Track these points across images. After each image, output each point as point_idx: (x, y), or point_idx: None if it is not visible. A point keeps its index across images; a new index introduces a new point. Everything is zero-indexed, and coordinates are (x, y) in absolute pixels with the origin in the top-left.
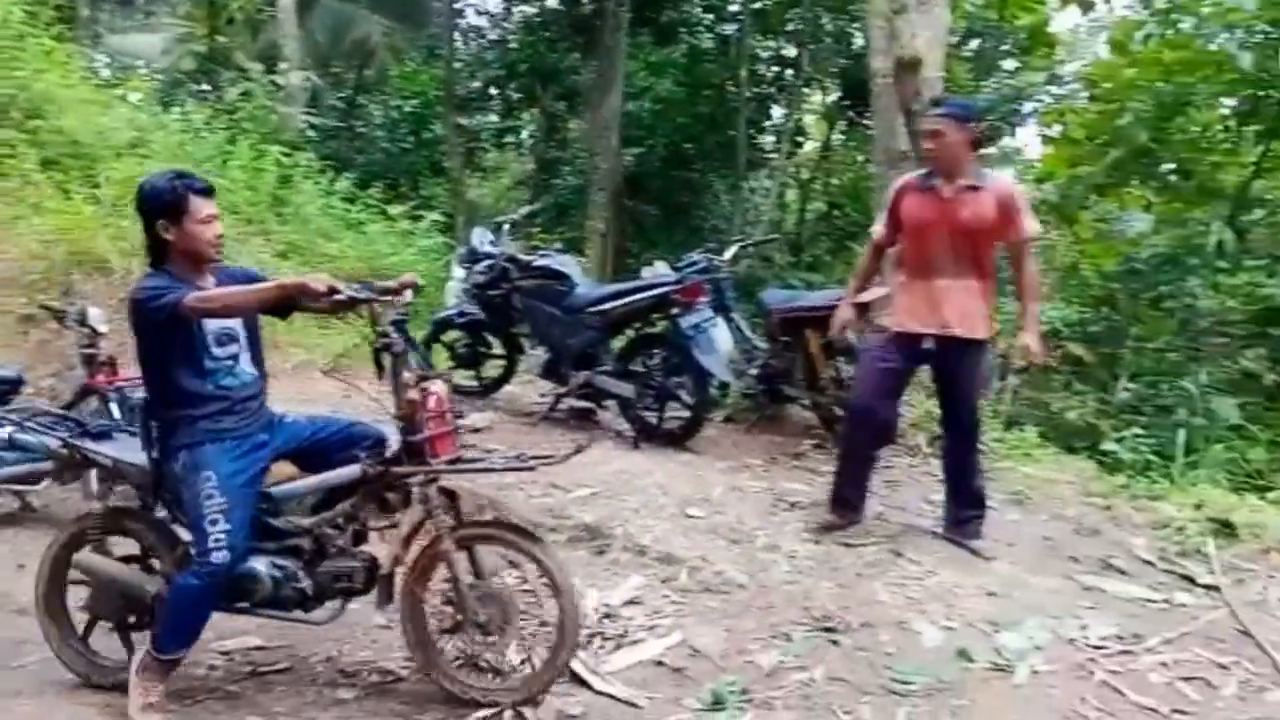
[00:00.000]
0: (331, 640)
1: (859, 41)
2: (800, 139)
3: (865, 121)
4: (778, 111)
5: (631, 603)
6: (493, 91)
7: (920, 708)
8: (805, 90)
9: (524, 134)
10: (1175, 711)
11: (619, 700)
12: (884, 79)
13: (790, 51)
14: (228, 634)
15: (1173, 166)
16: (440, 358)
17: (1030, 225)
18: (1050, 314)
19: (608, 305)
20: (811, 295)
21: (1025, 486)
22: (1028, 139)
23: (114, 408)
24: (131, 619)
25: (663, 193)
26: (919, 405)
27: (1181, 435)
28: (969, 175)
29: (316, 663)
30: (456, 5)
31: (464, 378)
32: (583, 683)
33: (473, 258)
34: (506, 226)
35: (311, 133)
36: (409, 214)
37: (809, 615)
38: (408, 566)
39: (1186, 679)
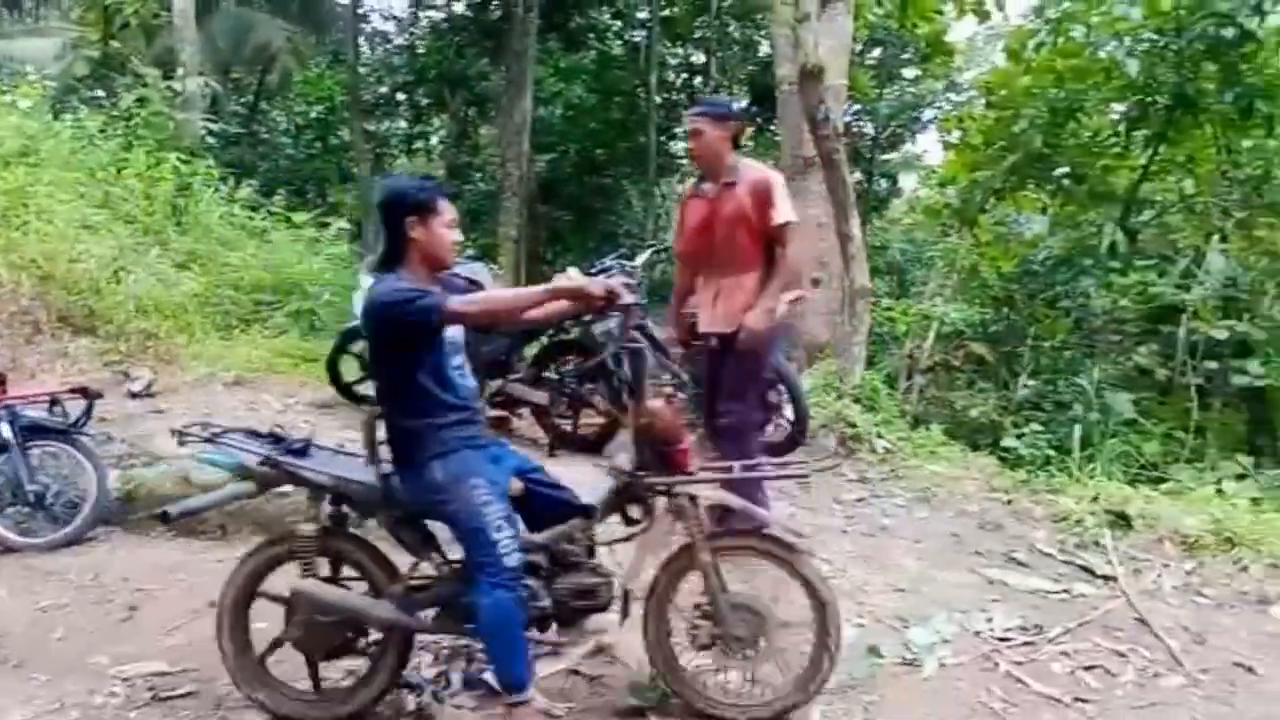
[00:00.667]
0: None
1: (766, 49)
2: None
3: (774, 128)
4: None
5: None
6: (401, 97)
7: (834, 705)
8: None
9: (434, 140)
10: (1077, 700)
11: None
12: (789, 86)
13: (699, 59)
14: (127, 659)
15: (1066, 170)
16: (349, 369)
17: (782, 212)
18: (953, 315)
19: None
20: None
21: (931, 484)
22: (929, 145)
23: (4, 427)
24: (339, 647)
25: (575, 198)
26: (828, 405)
27: (1078, 430)
28: (728, 172)
29: (222, 686)
30: (361, 10)
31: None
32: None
33: None
34: None
35: (211, 139)
36: (315, 221)
37: None
38: (657, 579)
39: (1087, 668)
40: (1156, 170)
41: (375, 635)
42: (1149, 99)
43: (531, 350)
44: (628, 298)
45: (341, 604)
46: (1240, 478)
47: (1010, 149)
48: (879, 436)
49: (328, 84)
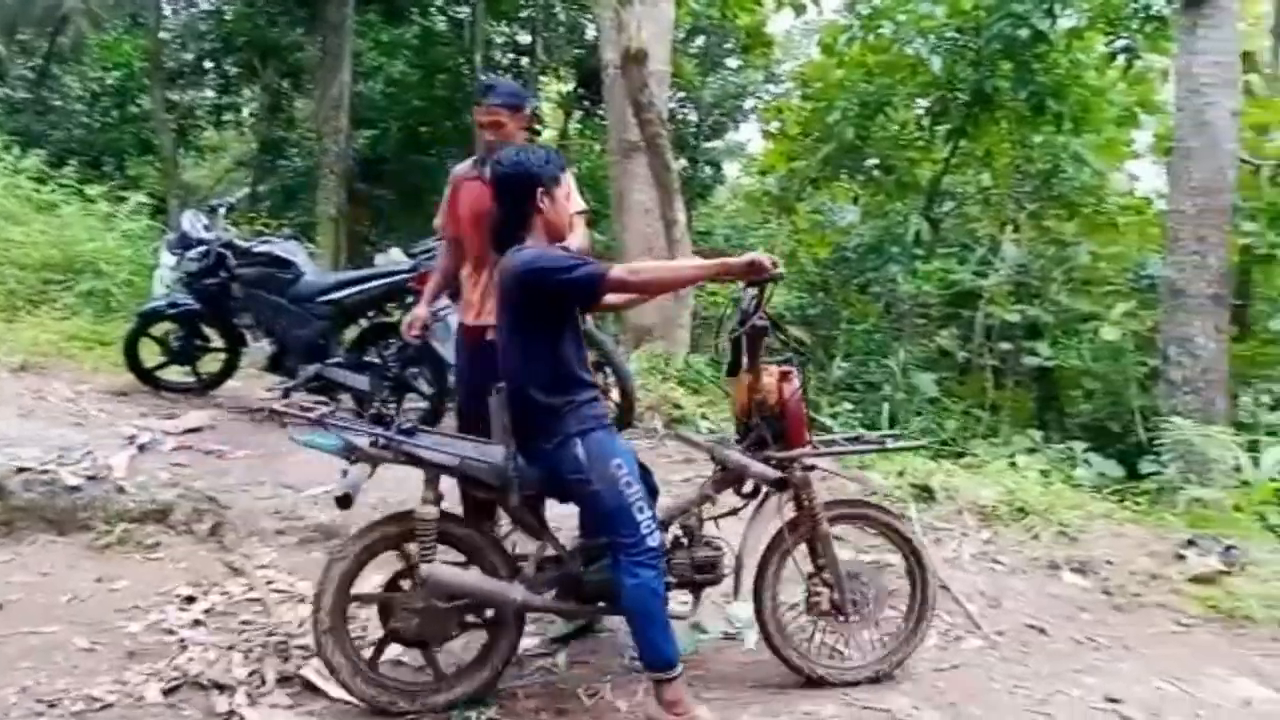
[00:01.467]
0: (26, 667)
1: (592, 32)
2: (538, 127)
3: (600, 112)
4: None
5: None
6: (208, 65)
7: None
8: (541, 78)
9: (245, 112)
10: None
11: (357, 706)
12: (615, 69)
13: (525, 38)
14: None
15: (876, 162)
16: (149, 353)
17: (573, 201)
18: (775, 301)
19: (338, 294)
20: None
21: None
22: (751, 133)
23: None
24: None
25: (400, 177)
26: (655, 389)
27: (886, 409)
28: None
29: (11, 694)
30: None
31: (179, 373)
32: (317, 691)
33: (184, 244)
34: (222, 210)
35: None
36: (111, 195)
37: None
38: (771, 550)
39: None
40: (957, 163)
41: (489, 616)
42: (950, 95)
43: (352, 334)
44: (781, 272)
45: (479, 588)
46: (1031, 451)
47: (825, 140)
48: (703, 418)
49: (126, 49)
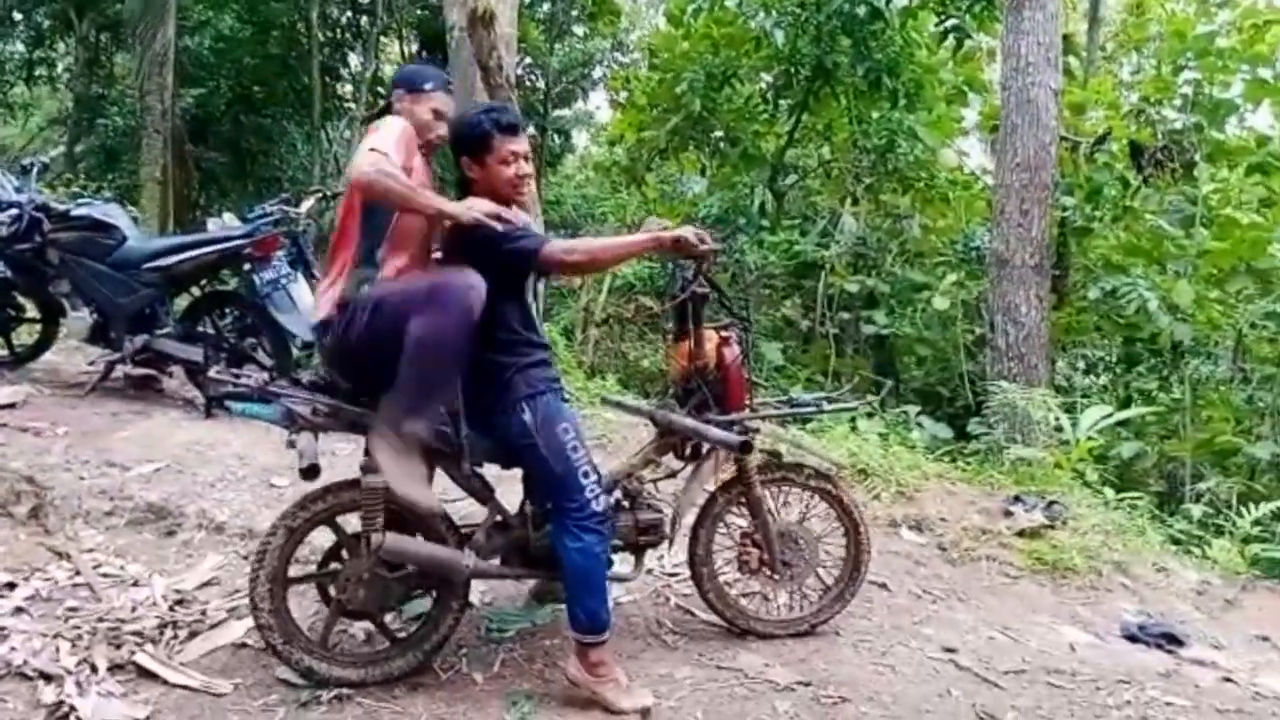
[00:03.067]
0: None
1: None
2: (380, 89)
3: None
4: (355, 59)
5: (209, 584)
6: (17, 16)
7: (515, 651)
8: (384, 39)
9: (60, 67)
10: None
11: (197, 691)
12: (460, 31)
13: None
14: None
15: (722, 134)
16: None
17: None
18: (624, 271)
19: (167, 260)
20: None
21: (607, 431)
22: (600, 102)
23: None
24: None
25: (232, 139)
26: None
27: None
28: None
29: None
30: None
31: None
32: (153, 677)
33: None
34: (35, 170)
35: None
36: None
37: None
38: (706, 511)
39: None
40: (800, 137)
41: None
42: (793, 69)
43: (183, 303)
44: (716, 245)
45: (432, 557)
46: (869, 416)
47: (672, 111)
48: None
49: None
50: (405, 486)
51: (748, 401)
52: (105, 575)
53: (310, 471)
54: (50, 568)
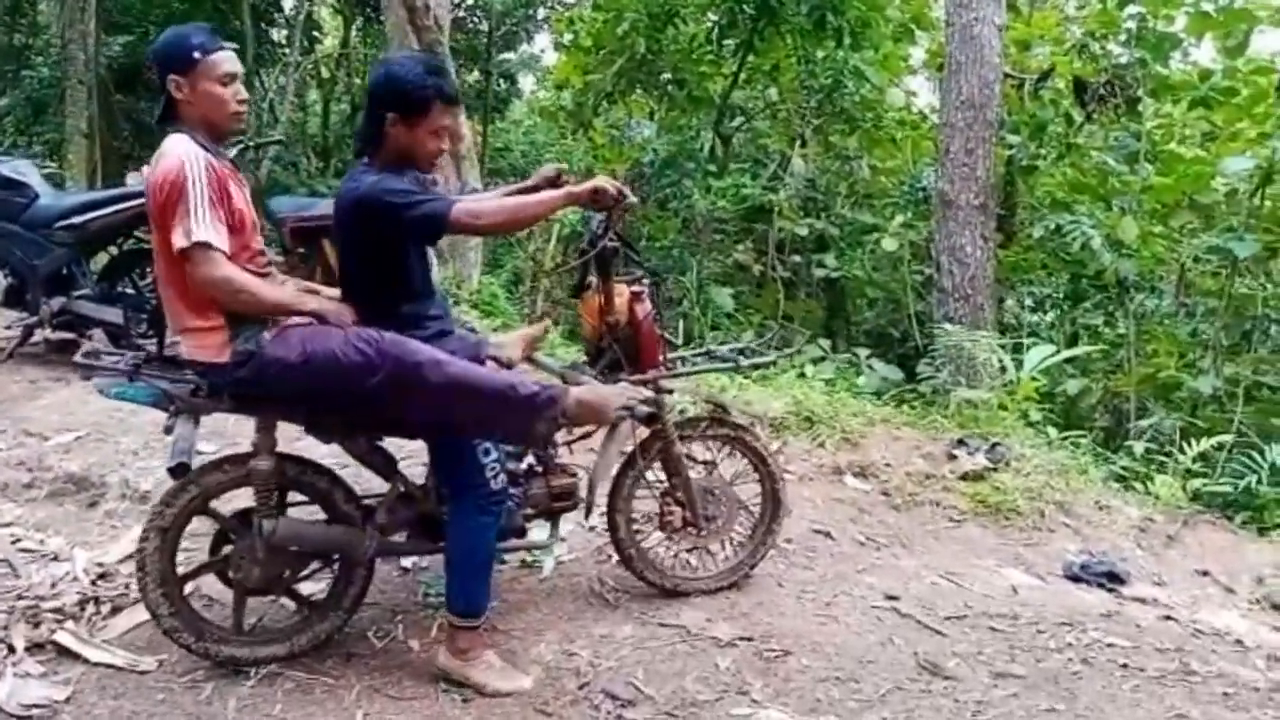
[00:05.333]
0: None
1: None
2: (317, 35)
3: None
4: (289, 3)
5: (132, 557)
6: None
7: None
8: None
9: None
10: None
11: (120, 669)
12: None
13: None
14: None
15: (669, 76)
16: None
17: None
18: (571, 217)
19: (81, 218)
20: (324, 204)
21: (552, 382)
22: (546, 45)
23: None
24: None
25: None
26: None
27: (680, 325)
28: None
29: None
30: None
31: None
32: (74, 656)
33: None
34: None
35: None
36: None
37: None
38: (624, 472)
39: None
40: (746, 78)
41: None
42: (738, 7)
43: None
44: (632, 198)
45: (326, 538)
46: (820, 360)
47: (617, 53)
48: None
49: None
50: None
51: (662, 359)
52: (24, 550)
53: (178, 470)
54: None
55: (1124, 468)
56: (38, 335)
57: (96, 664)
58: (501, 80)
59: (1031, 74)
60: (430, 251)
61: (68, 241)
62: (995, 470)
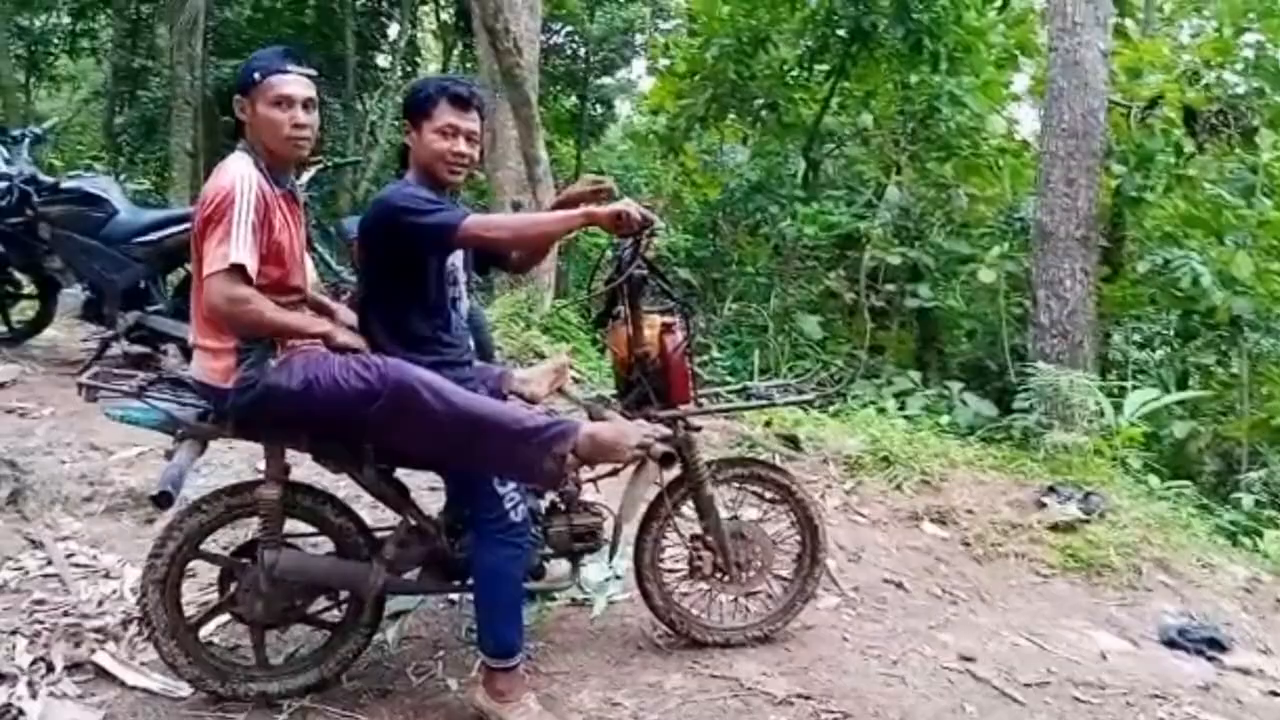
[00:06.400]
0: None
1: None
2: (418, 59)
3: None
4: (394, 28)
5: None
6: None
7: None
8: (422, 7)
9: (104, 38)
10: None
11: (155, 694)
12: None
13: None
14: None
15: (762, 101)
16: None
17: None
18: (657, 242)
19: (157, 235)
20: None
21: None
22: (641, 71)
23: None
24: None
25: None
26: (516, 338)
27: (756, 355)
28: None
29: None
30: None
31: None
32: (112, 678)
33: None
34: (27, 141)
35: None
36: None
37: None
38: (653, 513)
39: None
40: (839, 104)
41: (344, 597)
42: (830, 32)
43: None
44: (659, 224)
45: (331, 573)
46: (909, 392)
47: (710, 77)
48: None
49: None
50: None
51: (692, 394)
52: (77, 565)
53: (161, 500)
54: (23, 556)
55: (1231, 522)
56: (115, 349)
57: (133, 687)
58: (598, 105)
59: (1140, 102)
60: (461, 281)
61: (144, 257)
62: (1088, 522)
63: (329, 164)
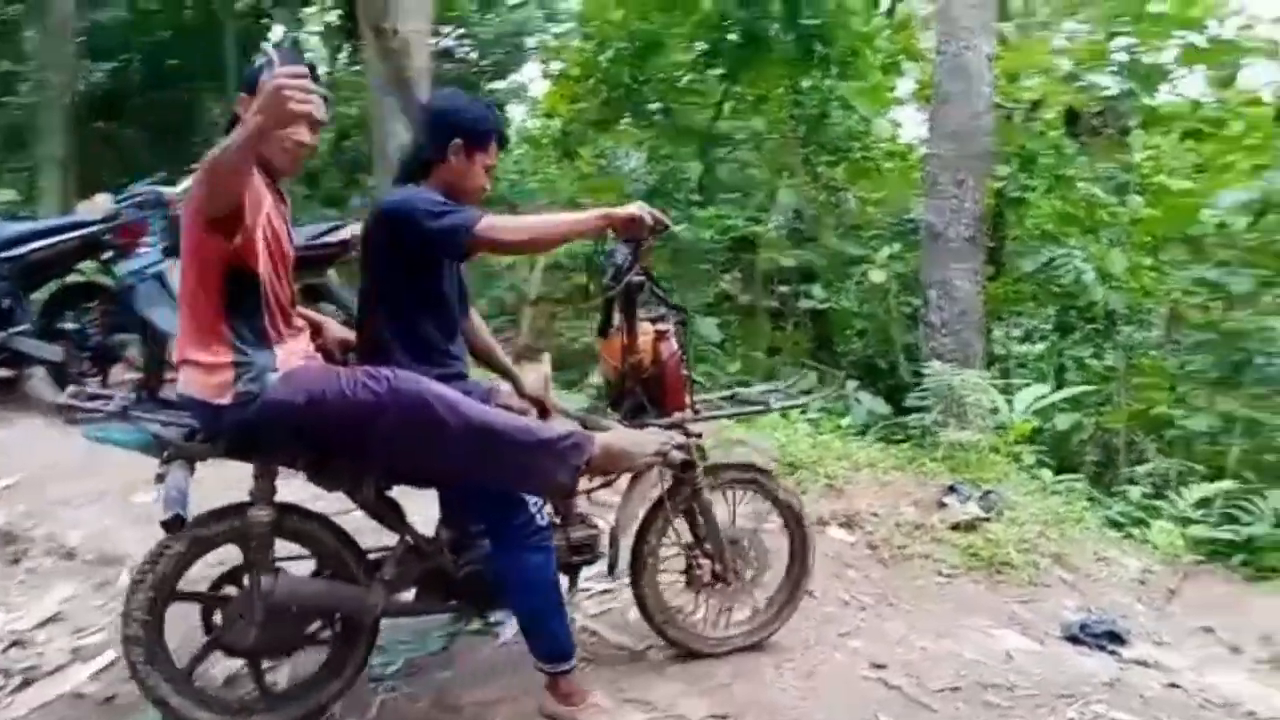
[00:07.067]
0: None
1: None
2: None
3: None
4: (276, 31)
5: (53, 620)
6: None
7: (401, 689)
8: (306, 9)
9: None
10: (649, 647)
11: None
12: None
13: None
14: None
15: (657, 106)
16: None
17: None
18: (559, 251)
19: (18, 250)
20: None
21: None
22: (533, 75)
23: None
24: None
25: (145, 114)
26: None
27: None
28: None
29: None
30: None
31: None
32: None
33: None
34: None
35: None
36: None
37: None
38: (649, 523)
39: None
40: (733, 108)
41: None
42: (723, 36)
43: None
44: (672, 227)
45: (331, 596)
46: (805, 393)
47: (604, 82)
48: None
49: None
50: None
51: (688, 401)
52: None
53: (174, 523)
54: None
55: (1120, 513)
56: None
57: None
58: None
59: (1021, 105)
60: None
61: (7, 274)
62: (988, 520)
63: None
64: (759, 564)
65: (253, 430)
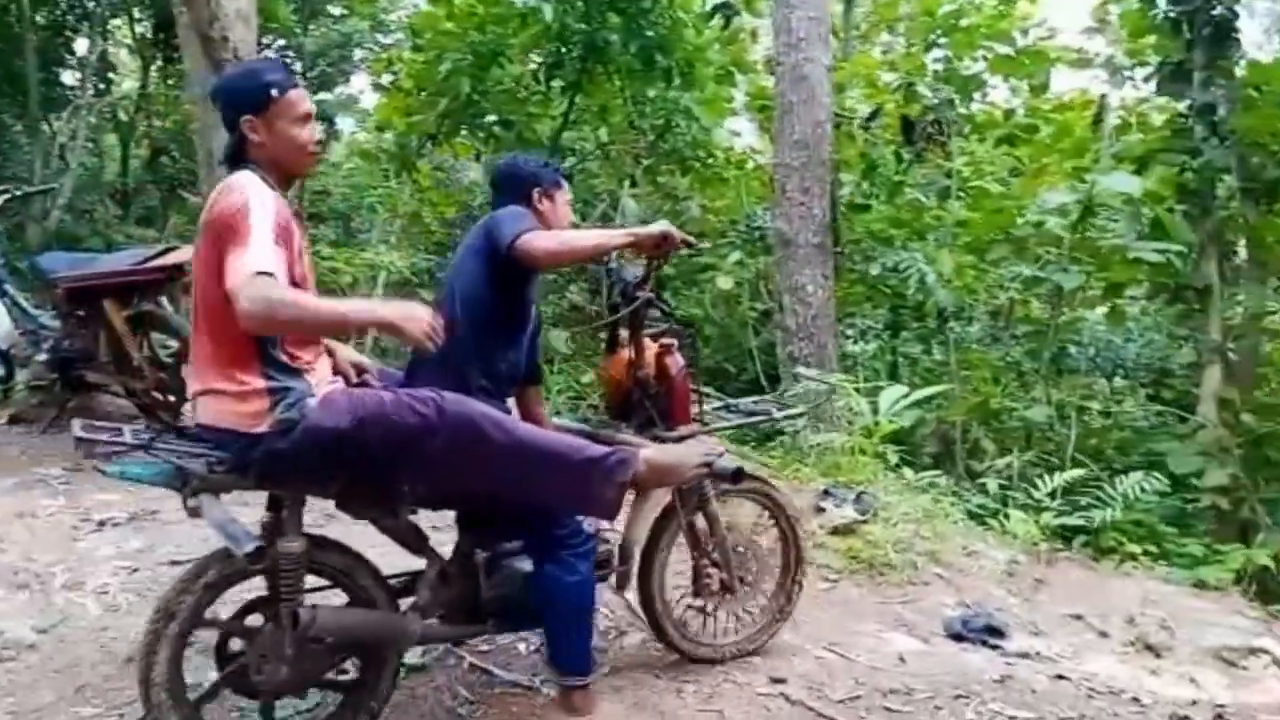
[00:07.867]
0: None
1: None
2: (112, 77)
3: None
4: (81, 44)
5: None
6: None
7: None
8: (114, 21)
9: None
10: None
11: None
12: (184, 6)
13: None
14: None
15: (496, 118)
16: None
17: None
18: (399, 263)
19: None
20: (106, 259)
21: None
22: (364, 86)
23: None
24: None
25: None
26: None
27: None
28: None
29: None
30: None
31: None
32: None
33: None
34: None
35: None
36: None
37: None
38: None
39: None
40: (575, 119)
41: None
42: (564, 48)
43: None
44: (698, 245)
45: (370, 626)
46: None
47: (440, 94)
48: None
49: None
50: None
51: (695, 414)
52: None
53: (256, 555)
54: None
55: (979, 506)
56: None
57: None
58: (320, 121)
59: (854, 115)
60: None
61: None
62: (865, 522)
63: (16, 193)
64: (759, 572)
65: (290, 458)
